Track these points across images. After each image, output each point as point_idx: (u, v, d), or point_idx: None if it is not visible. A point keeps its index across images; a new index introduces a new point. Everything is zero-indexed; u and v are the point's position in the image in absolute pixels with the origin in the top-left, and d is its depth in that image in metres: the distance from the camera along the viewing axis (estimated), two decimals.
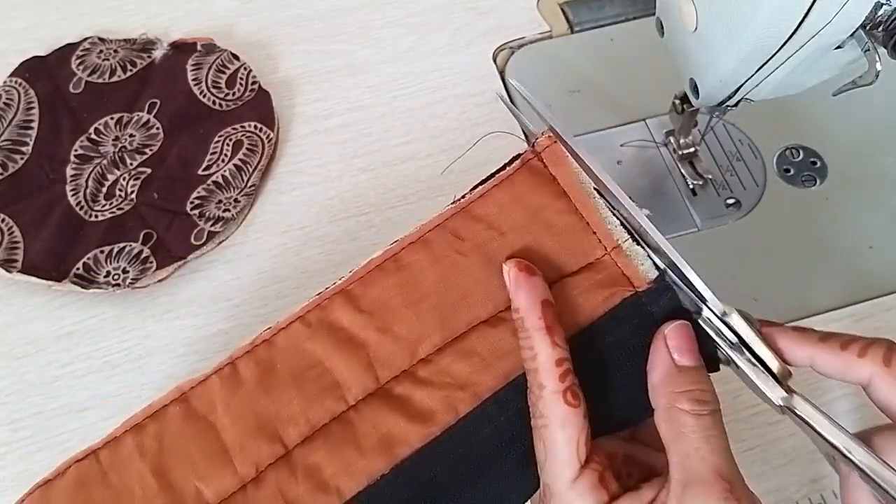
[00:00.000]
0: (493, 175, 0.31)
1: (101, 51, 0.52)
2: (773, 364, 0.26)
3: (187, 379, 0.30)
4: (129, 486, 0.28)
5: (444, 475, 0.27)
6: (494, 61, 0.54)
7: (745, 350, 0.27)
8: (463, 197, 0.31)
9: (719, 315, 0.27)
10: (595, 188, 0.29)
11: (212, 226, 0.45)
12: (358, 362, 0.28)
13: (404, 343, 0.29)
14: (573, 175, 0.29)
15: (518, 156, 0.31)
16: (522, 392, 0.27)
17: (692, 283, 0.27)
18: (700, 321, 0.27)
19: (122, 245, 0.45)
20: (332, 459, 0.27)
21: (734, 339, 0.27)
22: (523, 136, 0.50)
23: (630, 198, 0.28)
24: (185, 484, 0.28)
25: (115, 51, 0.52)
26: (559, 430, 0.26)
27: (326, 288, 0.30)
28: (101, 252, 0.44)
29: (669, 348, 0.27)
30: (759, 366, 0.26)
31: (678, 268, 0.28)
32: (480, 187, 0.31)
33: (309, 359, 0.29)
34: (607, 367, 0.28)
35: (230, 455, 0.28)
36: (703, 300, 0.27)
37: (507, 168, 0.31)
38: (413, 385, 0.28)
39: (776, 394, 0.26)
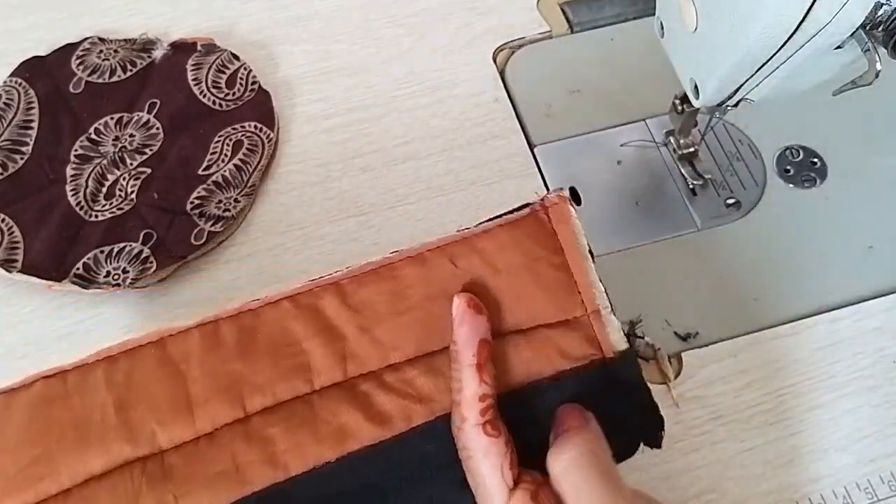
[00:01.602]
0: (500, 216, 0.32)
1: (101, 51, 0.52)
2: None
3: (168, 325, 0.30)
4: (90, 412, 0.28)
5: (385, 477, 0.28)
6: (494, 61, 0.54)
7: None
8: (467, 228, 0.32)
9: None
10: (590, 251, 0.31)
11: (212, 226, 0.45)
12: (333, 353, 0.30)
13: (380, 347, 0.30)
14: (573, 235, 0.31)
15: (527, 204, 0.32)
16: None
17: None
18: None
19: (122, 245, 0.45)
20: (286, 436, 0.28)
21: None
22: (523, 137, 0.50)
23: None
24: (142, 423, 0.28)
25: (115, 51, 0.52)
26: (483, 460, 0.27)
27: (321, 276, 0.31)
28: (101, 252, 0.44)
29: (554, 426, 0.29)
30: None
31: None
32: (485, 224, 0.32)
33: (289, 336, 0.30)
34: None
35: (192, 407, 0.29)
36: None
37: (515, 213, 0.32)
38: (377, 387, 0.29)
39: None
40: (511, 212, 0.32)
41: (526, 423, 0.29)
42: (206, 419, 0.29)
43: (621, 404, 0.30)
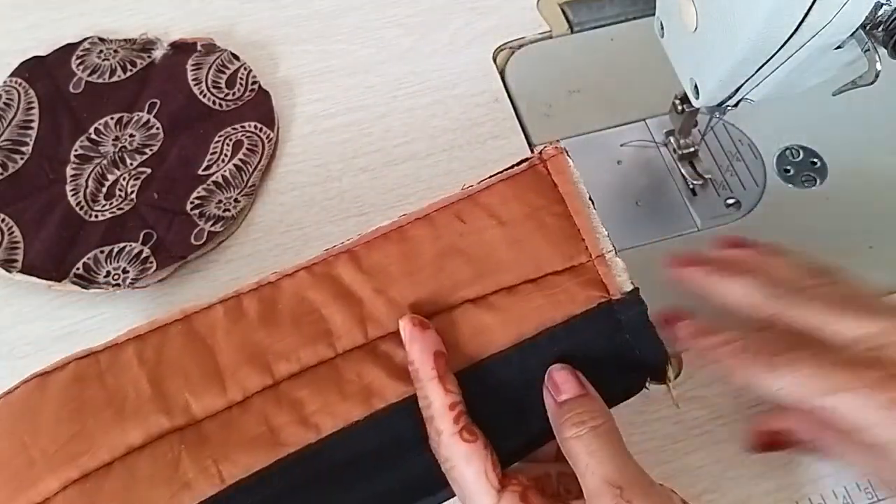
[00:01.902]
0: (499, 172, 0.34)
1: (101, 51, 0.52)
2: None
3: (191, 304, 0.31)
4: (124, 388, 0.29)
5: (412, 431, 0.29)
6: (494, 61, 0.54)
7: None
8: (471, 186, 0.33)
9: None
10: (590, 198, 0.32)
11: (212, 226, 0.45)
12: (352, 316, 0.31)
13: (396, 307, 0.31)
14: (572, 185, 0.32)
15: (526, 159, 0.33)
16: (494, 372, 0.30)
17: None
18: None
19: (122, 245, 0.45)
20: (315, 398, 0.29)
21: None
22: (523, 137, 0.50)
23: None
24: (176, 395, 0.29)
25: (115, 51, 0.52)
26: (465, 467, 0.28)
27: (334, 246, 0.32)
28: (101, 252, 0.44)
29: (550, 392, 0.30)
30: None
31: None
32: (487, 180, 0.33)
33: (308, 305, 0.31)
34: (572, 363, 0.30)
35: (222, 377, 0.29)
36: None
37: (514, 168, 0.33)
38: (396, 346, 0.30)
39: None
40: (510, 168, 0.33)
41: (542, 373, 0.30)
42: (236, 388, 0.29)
43: (631, 343, 0.31)
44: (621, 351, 0.31)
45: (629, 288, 0.31)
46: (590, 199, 0.32)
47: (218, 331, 0.30)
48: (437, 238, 0.32)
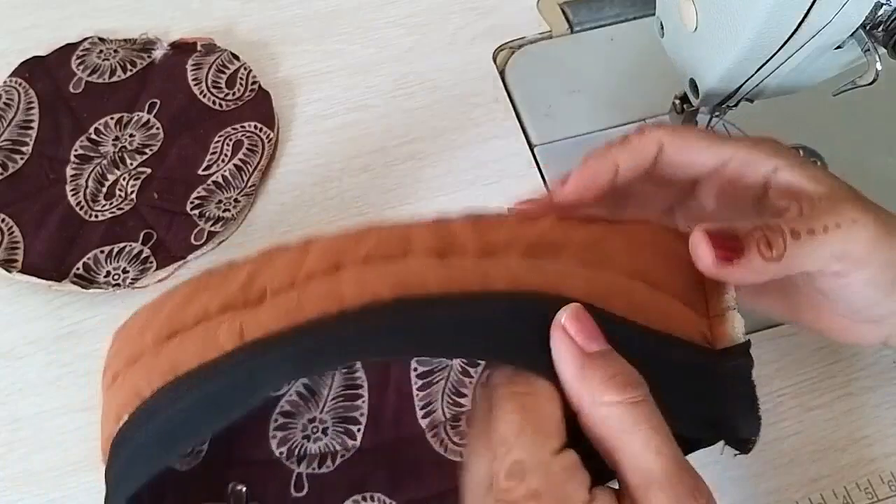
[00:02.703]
0: None
1: (101, 51, 0.52)
2: None
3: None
4: (233, 279, 0.31)
5: (437, 342, 0.26)
6: (494, 61, 0.54)
7: None
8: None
9: None
10: None
11: (212, 226, 0.45)
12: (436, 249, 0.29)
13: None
14: None
15: None
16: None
17: None
18: None
19: (122, 245, 0.45)
20: (356, 275, 0.28)
21: None
22: (523, 137, 0.50)
23: None
24: (259, 284, 0.30)
25: (115, 51, 0.52)
26: (547, 403, 0.23)
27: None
28: (101, 252, 0.44)
29: (573, 337, 0.23)
30: None
31: None
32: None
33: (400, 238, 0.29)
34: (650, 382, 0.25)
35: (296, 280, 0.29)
36: None
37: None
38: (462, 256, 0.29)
39: None
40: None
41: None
42: (304, 286, 0.29)
43: (724, 392, 0.27)
44: (709, 396, 0.26)
45: (741, 340, 0.28)
46: None
47: (319, 240, 0.30)
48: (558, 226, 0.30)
